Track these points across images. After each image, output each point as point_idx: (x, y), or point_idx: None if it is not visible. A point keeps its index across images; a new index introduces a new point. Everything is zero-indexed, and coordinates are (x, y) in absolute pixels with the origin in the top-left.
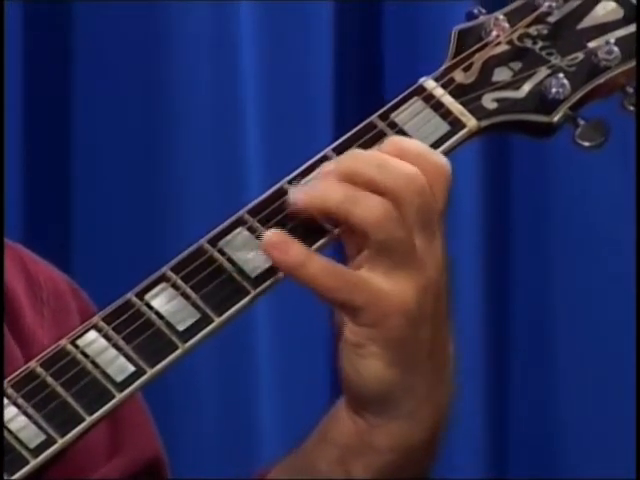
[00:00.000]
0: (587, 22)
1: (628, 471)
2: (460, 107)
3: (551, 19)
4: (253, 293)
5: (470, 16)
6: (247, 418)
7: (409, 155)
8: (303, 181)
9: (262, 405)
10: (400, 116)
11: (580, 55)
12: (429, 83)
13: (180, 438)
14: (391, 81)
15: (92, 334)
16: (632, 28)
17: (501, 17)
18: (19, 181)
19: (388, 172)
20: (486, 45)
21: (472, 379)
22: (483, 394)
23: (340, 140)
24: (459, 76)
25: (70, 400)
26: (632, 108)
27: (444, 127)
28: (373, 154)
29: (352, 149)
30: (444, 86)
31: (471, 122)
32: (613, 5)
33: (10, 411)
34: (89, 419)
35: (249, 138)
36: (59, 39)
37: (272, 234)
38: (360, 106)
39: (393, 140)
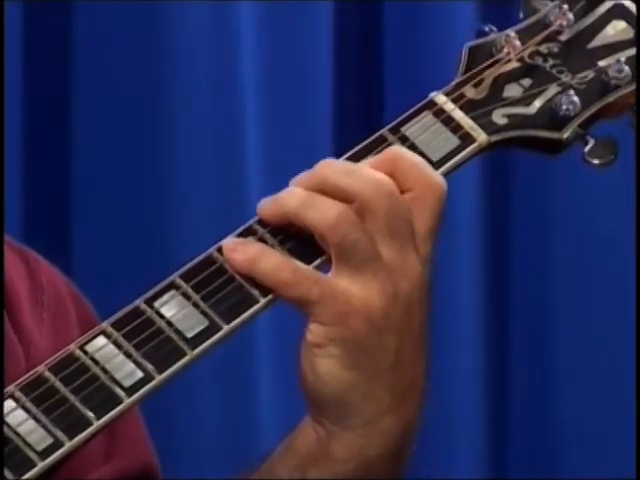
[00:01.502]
0: (598, 41)
1: (628, 471)
2: (470, 122)
3: (562, 37)
4: (263, 301)
5: (480, 33)
6: (247, 420)
7: (404, 164)
8: None
9: (262, 408)
10: (410, 130)
11: (591, 73)
12: (440, 98)
13: (180, 441)
14: (391, 81)
15: (101, 340)
16: None
17: (512, 35)
18: (19, 181)
19: (355, 177)
20: (497, 62)
21: (472, 379)
22: (483, 394)
23: (350, 152)
24: (469, 92)
25: (78, 405)
26: None
27: (454, 141)
28: (344, 163)
29: (362, 162)
30: (454, 101)
31: (481, 137)
32: (623, 25)
33: (18, 414)
34: (97, 423)
35: (249, 138)
36: (59, 39)
37: (228, 241)
38: (360, 106)
39: (393, 149)
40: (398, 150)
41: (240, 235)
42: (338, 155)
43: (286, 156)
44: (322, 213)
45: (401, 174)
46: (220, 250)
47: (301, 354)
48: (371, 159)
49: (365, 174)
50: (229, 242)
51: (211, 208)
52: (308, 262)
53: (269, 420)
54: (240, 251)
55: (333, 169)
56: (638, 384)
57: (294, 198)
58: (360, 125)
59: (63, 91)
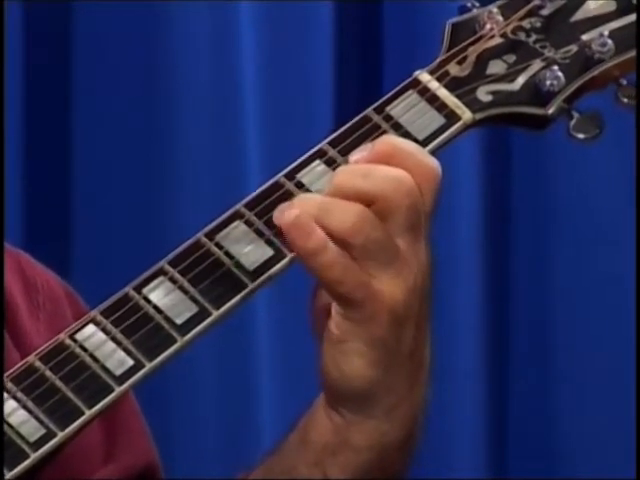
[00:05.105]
0: (580, 15)
1: (628, 471)
2: (455, 100)
3: (544, 12)
4: (251, 286)
5: (463, 9)
6: (247, 420)
7: (400, 154)
8: (299, 174)
9: (262, 407)
10: (395, 109)
11: (574, 47)
12: (424, 76)
13: (179, 441)
14: (391, 81)
15: (90, 328)
16: (625, 20)
17: (495, 10)
18: (19, 181)
19: (374, 179)
20: (480, 38)
21: (472, 379)
22: (483, 394)
23: (336, 133)
24: (454, 69)
25: (69, 394)
26: (626, 100)
27: (439, 120)
28: (357, 166)
29: (348, 142)
30: (439, 79)
31: (466, 115)
32: None
33: (10, 405)
34: (88, 412)
35: (249, 138)
36: (59, 39)
37: (295, 214)
38: (360, 106)
39: (386, 138)
40: (391, 140)
41: (227, 219)
42: None
43: (285, 155)
44: (341, 217)
45: (398, 165)
46: (207, 235)
47: (323, 350)
48: (366, 153)
49: (383, 174)
50: (294, 216)
51: (211, 207)
52: None
53: (268, 420)
54: (304, 237)
55: (350, 173)
56: (638, 384)
57: (309, 206)
58: None
59: (63, 91)
